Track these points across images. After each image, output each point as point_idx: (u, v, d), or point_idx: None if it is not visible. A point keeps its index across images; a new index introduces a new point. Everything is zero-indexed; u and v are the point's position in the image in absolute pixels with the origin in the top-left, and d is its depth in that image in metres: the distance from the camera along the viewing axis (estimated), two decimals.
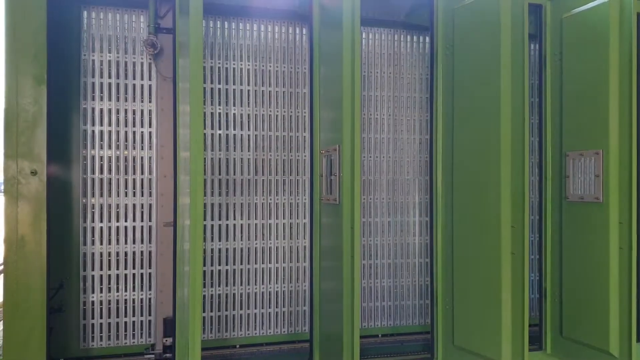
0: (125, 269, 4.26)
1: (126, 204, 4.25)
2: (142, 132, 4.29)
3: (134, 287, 4.27)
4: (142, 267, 4.29)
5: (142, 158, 4.29)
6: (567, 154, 4.26)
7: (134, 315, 4.27)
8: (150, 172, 4.29)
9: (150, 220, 4.29)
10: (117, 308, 4.24)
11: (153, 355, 4.14)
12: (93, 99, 4.21)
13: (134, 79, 4.29)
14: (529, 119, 4.73)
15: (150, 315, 4.30)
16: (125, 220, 4.26)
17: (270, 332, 4.58)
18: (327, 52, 3.99)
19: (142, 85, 4.30)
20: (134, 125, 4.28)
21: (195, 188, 3.13)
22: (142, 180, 4.28)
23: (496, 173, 3.79)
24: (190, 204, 3.17)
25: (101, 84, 4.23)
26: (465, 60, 4.09)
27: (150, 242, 4.28)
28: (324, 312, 4.06)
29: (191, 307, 3.15)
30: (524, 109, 3.65)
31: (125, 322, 4.26)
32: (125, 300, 4.26)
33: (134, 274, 4.27)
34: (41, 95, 3.61)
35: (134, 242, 4.27)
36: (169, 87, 4.27)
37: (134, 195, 4.26)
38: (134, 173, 4.26)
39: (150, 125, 4.31)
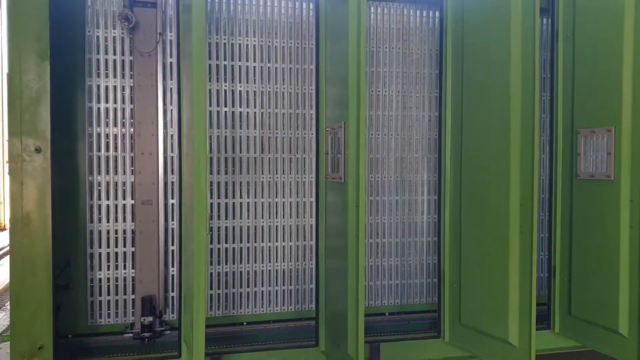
0: (133, 246, 4.26)
1: (132, 182, 4.24)
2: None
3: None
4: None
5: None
6: (578, 131, 4.18)
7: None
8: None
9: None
10: (125, 285, 4.25)
11: (132, 334, 4.14)
12: (98, 75, 4.18)
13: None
14: (541, 95, 4.69)
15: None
16: (132, 198, 4.24)
17: (277, 310, 4.58)
18: (334, 27, 3.93)
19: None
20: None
21: (199, 166, 3.10)
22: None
23: (505, 150, 3.74)
24: (194, 182, 3.16)
25: (106, 61, 4.19)
26: (474, 35, 4.01)
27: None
28: (330, 291, 4.05)
29: (196, 284, 3.15)
30: (534, 85, 3.57)
31: (133, 299, 4.26)
32: (133, 277, 4.26)
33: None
34: (44, 71, 3.57)
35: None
36: (145, 62, 4.20)
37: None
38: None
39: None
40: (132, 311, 4.25)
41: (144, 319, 4.09)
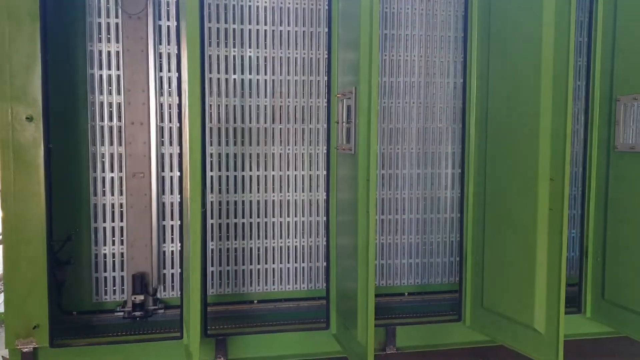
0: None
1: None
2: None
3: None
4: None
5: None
6: (618, 99, 3.81)
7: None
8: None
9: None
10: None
11: (123, 313, 3.98)
12: (100, 40, 3.94)
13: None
14: (576, 61, 4.32)
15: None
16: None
17: (289, 288, 4.36)
18: None
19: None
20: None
21: (193, 137, 2.87)
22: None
23: (535, 120, 3.40)
24: (189, 153, 2.92)
25: (108, 24, 3.95)
26: None
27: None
28: (340, 270, 3.80)
29: (192, 260, 2.95)
30: (568, 48, 3.20)
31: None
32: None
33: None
34: (35, 33, 3.33)
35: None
36: (134, 25, 3.94)
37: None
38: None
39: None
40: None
41: (135, 297, 3.91)
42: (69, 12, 3.87)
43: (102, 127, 3.97)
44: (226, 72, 4.16)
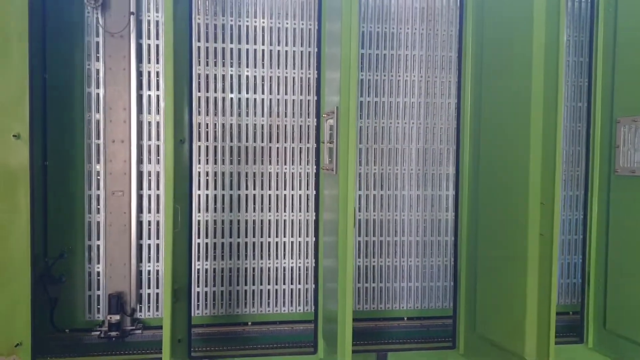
0: (140, 239, 4.07)
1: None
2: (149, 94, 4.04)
3: (148, 258, 4.11)
4: (149, 238, 4.08)
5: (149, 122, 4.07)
6: (618, 120, 3.67)
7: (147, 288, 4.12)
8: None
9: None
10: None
11: (99, 332, 3.93)
12: (97, 60, 3.99)
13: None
14: (578, 81, 4.22)
15: (157, 288, 4.11)
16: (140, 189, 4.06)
17: (284, 310, 4.29)
18: (331, 6, 3.57)
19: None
20: (145, 88, 4.07)
21: (168, 154, 2.85)
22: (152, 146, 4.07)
23: (525, 143, 3.30)
24: (165, 172, 2.91)
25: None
26: (495, 14, 3.58)
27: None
28: (326, 292, 3.72)
29: (165, 281, 2.92)
30: (557, 67, 3.11)
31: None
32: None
33: (146, 244, 4.10)
34: (24, 53, 3.38)
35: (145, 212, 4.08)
36: (117, 44, 3.97)
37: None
38: (149, 139, 4.07)
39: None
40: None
41: (110, 317, 3.88)
42: (68, 31, 3.92)
43: (98, 145, 4.00)
44: (223, 91, 4.16)
